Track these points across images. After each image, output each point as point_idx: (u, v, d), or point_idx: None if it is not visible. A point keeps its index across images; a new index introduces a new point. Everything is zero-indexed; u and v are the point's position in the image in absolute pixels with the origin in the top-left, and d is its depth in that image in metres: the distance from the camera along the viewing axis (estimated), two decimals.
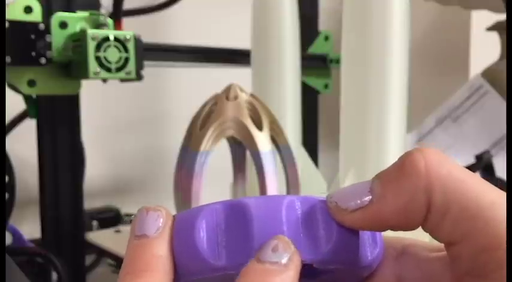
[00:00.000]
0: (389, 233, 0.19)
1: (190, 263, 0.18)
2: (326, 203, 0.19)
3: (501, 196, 0.17)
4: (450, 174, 0.17)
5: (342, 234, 0.18)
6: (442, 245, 0.18)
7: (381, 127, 0.53)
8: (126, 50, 0.56)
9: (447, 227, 0.17)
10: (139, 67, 0.58)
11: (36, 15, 0.55)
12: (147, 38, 0.61)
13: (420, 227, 0.18)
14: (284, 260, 0.17)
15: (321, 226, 0.18)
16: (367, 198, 0.18)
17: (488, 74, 0.97)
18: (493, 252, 0.16)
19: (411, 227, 0.18)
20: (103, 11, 0.62)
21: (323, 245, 0.18)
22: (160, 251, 0.19)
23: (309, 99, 0.89)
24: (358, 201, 0.18)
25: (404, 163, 0.17)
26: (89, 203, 0.74)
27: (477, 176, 0.17)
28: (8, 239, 0.60)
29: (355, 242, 0.18)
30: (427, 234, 0.18)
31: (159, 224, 0.19)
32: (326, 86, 0.92)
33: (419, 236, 0.20)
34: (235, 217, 0.18)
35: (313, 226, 0.18)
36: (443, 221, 0.17)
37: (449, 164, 0.17)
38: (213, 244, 0.18)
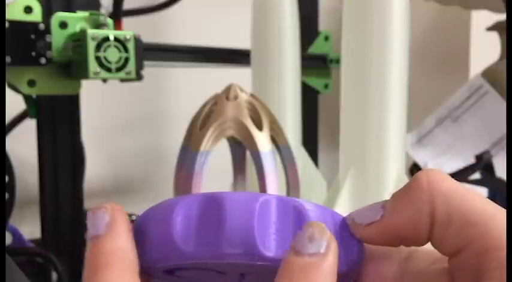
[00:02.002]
0: None
1: (162, 250, 0.18)
2: (302, 205, 0.19)
3: (501, 211, 0.18)
4: (451, 188, 0.19)
5: None
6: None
7: (381, 127, 0.53)
8: (126, 50, 0.56)
9: (451, 236, 0.18)
10: (139, 67, 0.58)
11: (36, 15, 0.55)
12: (147, 38, 0.61)
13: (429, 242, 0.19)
14: (322, 249, 0.17)
15: (292, 228, 0.18)
16: (380, 213, 0.19)
17: (488, 74, 0.97)
18: (493, 253, 0.17)
19: (420, 240, 0.19)
20: (103, 11, 0.62)
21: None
22: (113, 245, 0.19)
23: (309, 99, 0.89)
24: (372, 216, 0.20)
25: (411, 182, 0.19)
26: (89, 203, 0.74)
27: (477, 192, 0.19)
28: (8, 239, 0.60)
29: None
30: None
31: (106, 220, 0.19)
32: (326, 86, 0.92)
33: None
34: (210, 208, 0.18)
35: (284, 227, 0.18)
36: (448, 231, 0.18)
37: (451, 181, 0.19)
38: (185, 232, 0.18)
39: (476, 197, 0.18)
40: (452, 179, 0.19)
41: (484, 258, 0.17)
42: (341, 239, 0.19)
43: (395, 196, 0.19)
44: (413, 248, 0.20)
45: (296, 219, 0.19)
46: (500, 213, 0.18)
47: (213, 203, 0.18)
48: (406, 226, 0.19)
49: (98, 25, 0.57)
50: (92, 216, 0.19)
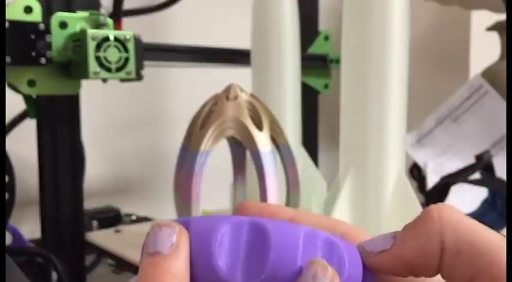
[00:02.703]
0: None
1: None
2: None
3: (502, 240, 0.19)
4: (460, 220, 0.19)
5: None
6: None
7: (380, 127, 0.53)
8: (126, 50, 0.56)
9: (461, 265, 0.19)
10: (139, 67, 0.58)
11: (36, 15, 0.55)
12: (147, 38, 0.61)
13: (439, 275, 0.20)
14: None
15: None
16: (390, 242, 0.20)
17: (488, 74, 0.97)
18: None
19: (430, 270, 0.20)
20: (103, 11, 0.62)
21: None
22: (175, 269, 0.18)
23: (309, 99, 0.89)
24: (382, 245, 0.20)
25: (422, 214, 0.20)
26: (89, 203, 0.74)
27: (482, 225, 0.20)
28: (8, 239, 0.60)
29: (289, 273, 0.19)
30: None
31: (172, 240, 0.19)
32: (326, 86, 0.92)
33: None
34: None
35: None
36: (457, 261, 0.19)
37: (460, 214, 0.20)
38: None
39: (482, 228, 0.19)
40: (461, 212, 0.20)
41: None
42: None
43: (407, 226, 0.20)
44: (427, 279, 0.21)
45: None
46: (502, 244, 0.19)
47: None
48: (417, 255, 0.19)
49: (98, 25, 0.57)
50: (158, 232, 0.19)
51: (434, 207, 0.20)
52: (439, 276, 0.20)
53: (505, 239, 0.19)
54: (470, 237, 0.19)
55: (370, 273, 0.20)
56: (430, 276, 0.20)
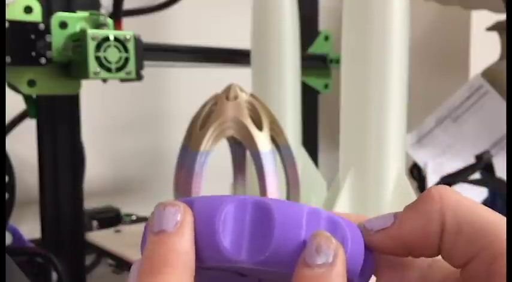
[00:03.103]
0: None
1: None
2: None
3: (503, 218, 0.19)
4: (460, 201, 0.19)
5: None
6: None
7: (380, 127, 0.53)
8: (126, 50, 0.56)
9: (461, 245, 0.19)
10: (139, 67, 0.58)
11: (36, 15, 0.55)
12: (147, 38, 0.61)
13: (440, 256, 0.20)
14: (330, 259, 0.18)
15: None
16: (391, 221, 0.20)
17: (488, 74, 0.97)
18: (502, 260, 0.18)
19: (430, 249, 0.20)
20: (103, 11, 0.62)
21: None
22: (180, 247, 0.18)
23: (309, 99, 0.89)
24: (383, 224, 0.20)
25: (423, 194, 0.20)
26: (89, 203, 0.74)
27: (482, 205, 0.20)
28: (8, 239, 0.60)
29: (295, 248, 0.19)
30: None
31: (177, 218, 0.19)
32: (326, 86, 0.92)
33: None
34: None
35: (246, 227, 0.19)
36: (457, 241, 0.19)
37: (459, 195, 0.20)
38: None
39: (482, 208, 0.19)
40: (460, 193, 0.20)
41: (494, 266, 0.18)
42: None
43: (408, 206, 0.20)
44: (436, 257, 0.21)
45: (260, 219, 0.19)
46: (502, 222, 0.19)
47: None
48: (417, 235, 0.19)
49: (98, 25, 0.56)
50: (162, 211, 0.19)
51: (434, 189, 0.20)
52: (439, 257, 0.20)
53: (503, 218, 0.19)
54: (471, 217, 0.19)
55: (370, 253, 0.20)
56: (429, 257, 0.20)
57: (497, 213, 0.19)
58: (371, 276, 0.21)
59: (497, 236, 0.18)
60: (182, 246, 0.18)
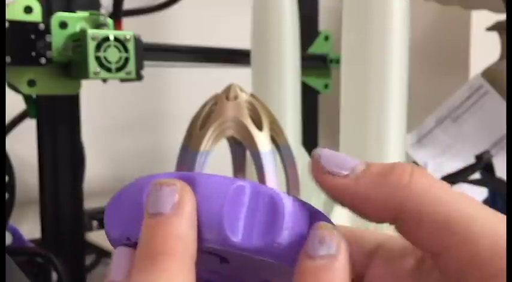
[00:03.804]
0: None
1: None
2: (278, 195, 0.19)
3: (478, 210, 0.17)
4: (428, 189, 0.17)
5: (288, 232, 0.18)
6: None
7: (381, 127, 0.53)
8: (126, 50, 0.56)
9: (424, 238, 0.17)
10: (139, 67, 0.58)
11: (36, 15, 0.55)
12: (147, 38, 0.61)
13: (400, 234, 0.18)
14: (333, 250, 0.17)
15: (266, 218, 0.18)
16: (347, 171, 0.19)
17: (488, 74, 0.97)
18: (474, 270, 0.16)
19: (383, 221, 0.18)
20: (103, 11, 0.62)
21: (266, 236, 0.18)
22: (179, 230, 0.17)
23: (309, 99, 0.89)
24: (342, 168, 0.19)
25: (396, 169, 0.18)
26: (89, 203, 0.74)
27: (460, 191, 0.18)
28: (8, 239, 0.60)
29: (298, 242, 0.18)
30: None
31: (174, 199, 0.17)
32: (326, 86, 0.92)
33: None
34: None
35: (256, 215, 0.18)
36: (419, 231, 0.17)
37: (432, 180, 0.18)
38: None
39: (458, 200, 0.17)
40: (434, 178, 0.18)
41: (466, 272, 0.17)
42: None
43: (378, 168, 0.18)
44: (382, 238, 0.20)
45: (270, 209, 0.18)
46: (476, 215, 0.17)
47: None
48: (374, 202, 0.18)
49: (98, 25, 0.56)
50: (159, 191, 0.18)
51: (409, 168, 0.18)
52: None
53: (480, 212, 0.17)
54: (434, 210, 0.17)
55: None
56: (376, 222, 0.19)
57: (475, 205, 0.17)
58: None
59: (466, 238, 0.16)
60: (181, 229, 0.17)
